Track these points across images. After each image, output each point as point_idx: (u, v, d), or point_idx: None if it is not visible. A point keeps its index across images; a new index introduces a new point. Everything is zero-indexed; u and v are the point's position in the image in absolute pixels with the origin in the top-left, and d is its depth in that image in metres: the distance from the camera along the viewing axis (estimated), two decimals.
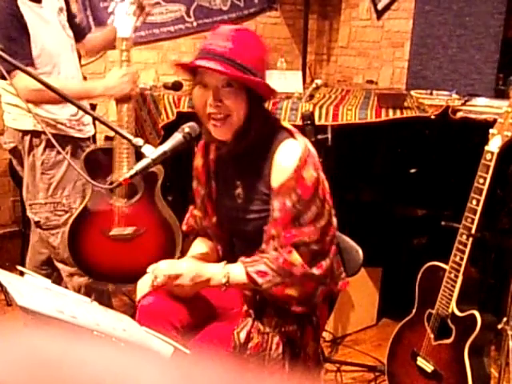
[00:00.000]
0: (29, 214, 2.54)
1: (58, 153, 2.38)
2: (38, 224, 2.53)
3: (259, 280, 1.59)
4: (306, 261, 1.59)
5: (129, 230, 2.49)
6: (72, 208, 2.49)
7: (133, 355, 0.53)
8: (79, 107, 1.76)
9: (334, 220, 1.71)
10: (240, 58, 1.52)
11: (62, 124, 2.43)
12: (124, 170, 2.37)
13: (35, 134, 2.40)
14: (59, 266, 2.58)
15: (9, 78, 1.77)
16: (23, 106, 2.34)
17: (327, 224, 1.63)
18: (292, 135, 1.62)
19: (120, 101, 2.36)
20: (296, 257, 1.58)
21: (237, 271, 1.63)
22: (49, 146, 2.40)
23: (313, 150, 1.63)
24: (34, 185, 2.47)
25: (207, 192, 1.81)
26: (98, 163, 2.46)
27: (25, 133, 2.41)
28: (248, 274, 1.60)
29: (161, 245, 2.58)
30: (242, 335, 1.60)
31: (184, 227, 1.98)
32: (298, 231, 1.57)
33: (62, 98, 1.68)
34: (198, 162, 1.81)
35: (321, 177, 1.62)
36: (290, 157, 1.57)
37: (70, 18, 2.56)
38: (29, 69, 1.78)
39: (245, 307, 1.66)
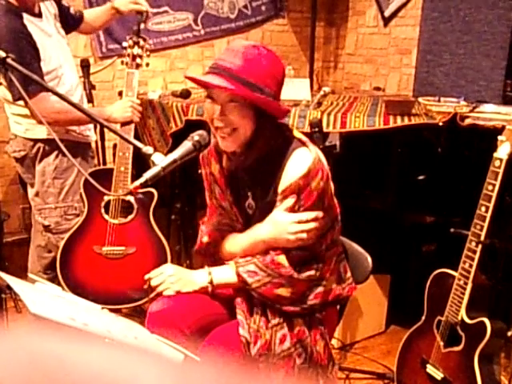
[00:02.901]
0: (38, 218, 2.58)
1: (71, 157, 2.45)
2: (48, 228, 2.57)
3: (249, 280, 1.63)
4: (292, 264, 1.62)
5: (120, 249, 2.54)
6: (83, 212, 2.53)
7: (133, 357, 0.53)
8: (99, 122, 1.80)
9: (338, 225, 1.73)
10: (247, 74, 1.53)
11: (72, 131, 2.49)
12: (122, 184, 2.48)
13: (48, 141, 2.44)
14: None
15: (29, 101, 1.82)
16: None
17: (326, 230, 1.65)
18: (304, 144, 1.64)
19: (123, 125, 2.53)
20: (283, 259, 1.62)
21: (223, 272, 1.70)
22: (61, 151, 2.45)
23: (323, 159, 1.64)
24: (43, 190, 2.52)
25: (229, 198, 1.79)
26: (98, 183, 2.52)
27: (36, 141, 2.45)
28: (238, 274, 1.65)
29: (152, 266, 2.57)
30: (250, 335, 1.62)
31: (196, 247, 1.91)
32: None
33: (83, 113, 1.75)
34: (214, 168, 1.79)
35: (329, 186, 1.64)
36: (299, 164, 1.59)
37: (65, 10, 2.63)
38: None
39: (244, 306, 1.69)
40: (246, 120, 1.58)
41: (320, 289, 1.67)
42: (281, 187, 1.61)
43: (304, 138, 1.67)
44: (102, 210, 2.52)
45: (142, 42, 2.56)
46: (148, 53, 2.59)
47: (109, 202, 2.52)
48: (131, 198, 2.53)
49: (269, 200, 1.66)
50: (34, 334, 0.47)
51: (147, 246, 2.58)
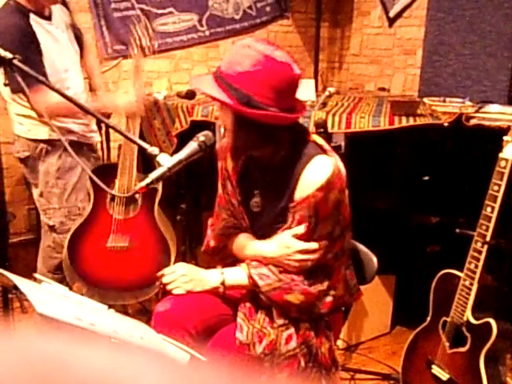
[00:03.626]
0: (44, 218, 2.61)
1: (73, 158, 2.45)
2: (53, 228, 2.59)
3: (260, 282, 1.63)
4: (304, 273, 1.62)
5: (124, 243, 2.58)
6: (85, 211, 2.56)
7: (135, 357, 0.53)
8: (98, 118, 1.80)
9: (349, 234, 1.72)
10: (231, 78, 1.52)
11: (74, 132, 2.51)
12: (126, 179, 2.55)
13: (50, 142, 2.46)
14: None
15: (29, 93, 1.82)
16: (36, 116, 2.40)
17: (336, 238, 1.64)
18: (325, 152, 1.62)
19: (129, 117, 2.55)
20: (297, 268, 1.62)
21: (235, 273, 1.71)
22: (64, 152, 2.47)
23: (343, 168, 1.62)
24: (47, 191, 2.54)
25: (237, 196, 1.79)
26: (103, 178, 2.55)
27: (39, 142, 2.47)
28: (250, 276, 1.65)
29: (155, 259, 2.64)
30: (252, 335, 1.62)
31: (203, 248, 1.92)
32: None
33: (82, 110, 1.75)
34: (229, 164, 1.78)
35: (345, 196, 1.63)
36: (319, 173, 1.57)
37: (76, 31, 2.65)
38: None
39: (246, 309, 1.69)
40: (227, 122, 1.61)
41: (329, 298, 1.66)
42: (297, 195, 1.60)
43: (326, 146, 1.65)
44: (108, 205, 2.57)
45: (150, 30, 2.52)
46: (155, 42, 2.57)
47: (113, 196, 2.57)
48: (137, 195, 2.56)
49: (282, 204, 1.64)
50: (33, 334, 0.47)
51: (151, 240, 2.64)
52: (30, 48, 2.26)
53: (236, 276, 1.71)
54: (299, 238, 1.61)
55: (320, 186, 1.55)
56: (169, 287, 1.74)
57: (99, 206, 2.57)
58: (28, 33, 2.28)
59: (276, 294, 1.62)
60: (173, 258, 2.66)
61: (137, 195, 2.56)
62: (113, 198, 2.57)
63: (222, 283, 1.71)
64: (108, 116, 3.22)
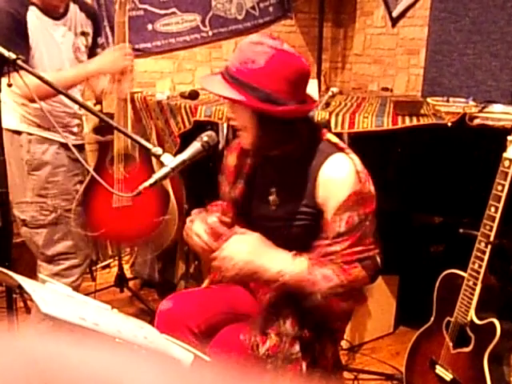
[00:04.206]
0: (15, 212, 2.54)
1: (43, 153, 2.46)
2: (24, 222, 2.54)
3: (323, 284, 1.51)
4: (368, 275, 1.58)
5: (129, 200, 2.65)
6: (57, 209, 2.52)
7: (133, 356, 0.53)
8: (101, 118, 1.79)
9: None
10: (248, 78, 1.50)
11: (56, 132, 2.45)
12: (123, 140, 2.59)
13: (20, 133, 2.43)
14: (43, 265, 2.60)
15: (20, 76, 1.80)
16: (10, 103, 2.37)
17: (365, 239, 1.62)
18: (342, 150, 1.60)
19: (121, 77, 2.47)
20: (361, 272, 1.56)
21: (297, 273, 1.53)
22: (33, 144, 2.44)
23: (361, 166, 1.60)
24: (21, 183, 2.49)
25: (231, 193, 1.79)
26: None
27: (12, 132, 2.43)
28: (312, 276, 1.52)
29: (157, 209, 2.75)
30: (259, 337, 1.61)
31: None
32: (362, 246, 1.58)
33: (70, 100, 1.72)
34: (232, 161, 1.78)
35: (370, 194, 1.62)
36: (339, 171, 1.55)
37: (93, 46, 2.63)
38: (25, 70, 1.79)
39: (260, 308, 1.68)
40: (248, 121, 1.57)
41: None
42: (321, 197, 1.56)
43: (341, 144, 1.63)
44: (107, 166, 2.64)
45: None
46: None
47: (112, 157, 2.62)
48: (135, 151, 2.64)
49: (301, 203, 1.61)
50: (33, 335, 0.47)
51: (152, 192, 2.70)
52: (16, 32, 2.22)
53: (296, 278, 1.53)
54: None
55: (358, 183, 1.53)
56: (218, 274, 1.71)
57: (99, 168, 2.64)
58: (18, 21, 2.24)
59: (333, 300, 1.55)
60: (171, 205, 2.80)
61: (136, 153, 2.63)
62: (111, 158, 2.60)
63: (279, 282, 1.53)
64: (111, 117, 3.23)
